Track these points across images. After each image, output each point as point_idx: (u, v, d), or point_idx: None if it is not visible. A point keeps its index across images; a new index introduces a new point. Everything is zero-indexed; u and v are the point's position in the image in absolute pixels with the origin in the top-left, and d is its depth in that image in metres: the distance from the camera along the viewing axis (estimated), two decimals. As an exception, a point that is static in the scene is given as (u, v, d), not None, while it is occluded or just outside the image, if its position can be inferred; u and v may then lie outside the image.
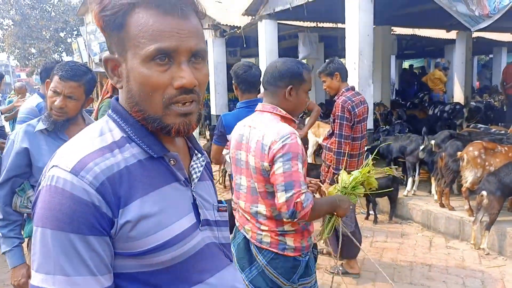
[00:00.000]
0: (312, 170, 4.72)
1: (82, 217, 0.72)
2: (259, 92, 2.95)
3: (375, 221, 4.81)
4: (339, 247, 2.27)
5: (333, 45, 11.48)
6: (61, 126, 1.88)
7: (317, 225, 2.36)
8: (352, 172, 2.10)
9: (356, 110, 3.22)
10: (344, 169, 3.16)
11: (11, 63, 34.52)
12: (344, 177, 2.07)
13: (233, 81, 2.86)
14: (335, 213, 1.91)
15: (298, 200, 1.65)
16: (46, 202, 0.73)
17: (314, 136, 6.60)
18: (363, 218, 4.92)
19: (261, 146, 1.75)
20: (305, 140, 6.58)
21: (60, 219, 0.72)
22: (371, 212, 4.92)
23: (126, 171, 0.79)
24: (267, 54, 7.55)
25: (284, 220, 1.73)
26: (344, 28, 5.66)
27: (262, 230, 1.84)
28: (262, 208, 1.82)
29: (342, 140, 3.19)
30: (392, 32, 9.94)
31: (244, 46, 8.77)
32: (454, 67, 11.42)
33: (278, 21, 7.67)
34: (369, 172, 2.09)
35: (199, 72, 0.82)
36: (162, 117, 0.80)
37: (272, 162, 1.71)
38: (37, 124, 1.90)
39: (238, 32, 8.30)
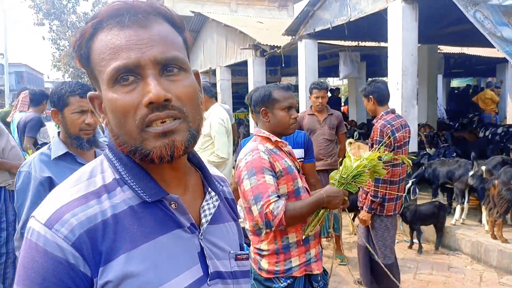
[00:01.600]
0: (350, 194, 4.52)
1: (55, 277, 0.64)
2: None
3: (420, 250, 4.51)
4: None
5: (376, 64, 11.25)
6: (90, 145, 1.84)
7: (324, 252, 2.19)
8: (358, 156, 1.98)
9: (396, 134, 3.04)
10: (383, 197, 3.03)
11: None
12: (347, 163, 1.93)
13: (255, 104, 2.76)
14: (326, 208, 1.84)
15: (267, 210, 1.71)
16: (22, 257, 0.67)
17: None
18: (406, 247, 4.63)
19: (236, 166, 1.95)
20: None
21: (32, 278, 0.64)
22: (415, 240, 4.62)
23: (113, 220, 0.68)
24: (306, 73, 7.48)
25: (263, 232, 1.76)
26: (387, 47, 5.49)
27: (250, 245, 1.96)
28: (248, 224, 1.93)
29: (382, 166, 3.02)
30: (438, 51, 9.57)
31: (283, 65, 8.75)
32: (507, 87, 10.78)
33: (319, 41, 7.61)
34: (378, 158, 1.96)
35: (176, 84, 0.70)
36: (141, 144, 0.69)
37: (240, 181, 1.84)
38: (51, 152, 1.82)
39: (278, 51, 8.31)
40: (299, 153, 2.74)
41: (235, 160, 2.87)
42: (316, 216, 1.87)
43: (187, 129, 0.70)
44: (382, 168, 1.98)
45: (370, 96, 3.17)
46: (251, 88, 9.71)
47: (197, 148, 3.99)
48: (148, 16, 0.70)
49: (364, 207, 3.15)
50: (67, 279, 0.64)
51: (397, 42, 5.14)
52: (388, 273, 2.14)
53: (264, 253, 1.88)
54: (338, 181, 1.90)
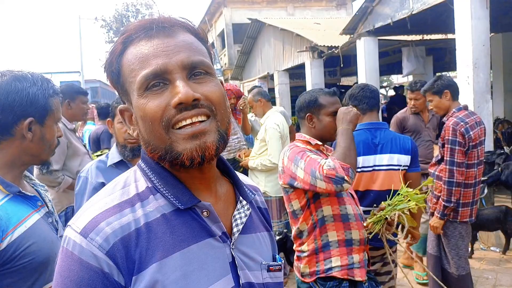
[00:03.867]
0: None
1: (90, 286, 0.64)
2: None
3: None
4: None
5: (444, 57, 10.55)
6: (132, 154, 1.90)
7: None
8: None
9: (471, 132, 2.78)
10: (457, 201, 2.77)
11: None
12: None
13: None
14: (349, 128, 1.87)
15: (324, 171, 1.67)
16: (58, 266, 0.68)
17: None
18: (483, 255, 4.23)
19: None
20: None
21: (68, 287, 0.65)
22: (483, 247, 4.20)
23: (146, 229, 0.68)
24: (367, 72, 7.20)
25: (344, 187, 1.71)
26: (455, 39, 5.10)
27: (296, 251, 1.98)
28: (294, 228, 1.95)
29: (455, 168, 2.76)
30: (515, 38, 8.74)
31: (341, 66, 8.52)
32: None
33: (379, 37, 7.29)
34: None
35: (204, 85, 0.71)
36: (171, 146, 0.69)
37: (289, 178, 1.85)
38: (108, 160, 1.92)
39: (336, 52, 8.11)
40: (405, 160, 2.45)
41: None
42: (377, 222, 1.89)
43: (217, 129, 0.71)
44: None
45: (446, 91, 2.90)
46: (309, 90, 9.59)
47: (253, 153, 3.99)
48: (173, 27, 0.73)
49: (435, 213, 2.91)
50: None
51: (466, 33, 4.75)
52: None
53: (304, 254, 1.89)
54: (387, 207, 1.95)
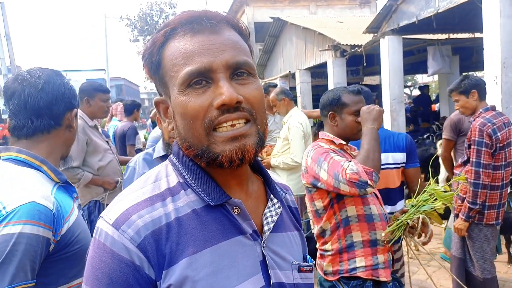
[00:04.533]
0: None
1: (121, 278, 0.64)
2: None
3: (510, 261, 4.05)
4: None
5: (470, 57, 10.28)
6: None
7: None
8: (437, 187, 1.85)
9: (499, 134, 2.72)
10: (482, 203, 2.71)
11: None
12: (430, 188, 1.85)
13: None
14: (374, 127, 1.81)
15: (347, 175, 1.65)
16: (90, 257, 0.68)
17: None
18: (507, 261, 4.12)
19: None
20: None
21: (99, 279, 0.66)
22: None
23: (177, 223, 0.68)
24: (390, 72, 7.09)
25: (368, 191, 1.69)
26: (482, 38, 4.97)
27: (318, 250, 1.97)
28: (316, 227, 1.95)
29: (481, 170, 2.71)
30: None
31: (365, 65, 8.42)
32: None
33: (403, 36, 7.17)
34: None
35: (246, 87, 0.71)
36: (209, 147, 0.69)
37: (312, 178, 1.85)
38: (154, 153, 2.06)
39: (359, 51, 8.02)
40: (400, 157, 2.51)
41: None
42: (398, 228, 1.81)
43: (257, 132, 0.70)
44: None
45: (473, 91, 2.86)
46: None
47: (275, 151, 4.00)
48: (219, 23, 0.72)
49: (460, 214, 2.86)
50: (132, 280, 0.65)
51: (495, 31, 4.63)
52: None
53: (328, 253, 1.89)
54: (410, 208, 1.85)
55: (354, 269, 1.82)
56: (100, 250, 0.67)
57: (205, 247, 0.68)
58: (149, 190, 0.72)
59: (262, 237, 0.76)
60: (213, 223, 0.71)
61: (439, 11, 5.67)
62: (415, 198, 1.88)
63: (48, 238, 1.10)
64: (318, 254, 1.96)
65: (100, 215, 0.71)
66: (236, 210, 0.73)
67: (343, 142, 1.97)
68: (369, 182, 1.65)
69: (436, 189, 1.84)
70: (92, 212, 3.14)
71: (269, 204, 0.80)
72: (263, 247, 0.75)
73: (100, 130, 3.39)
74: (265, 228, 0.76)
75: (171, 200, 0.71)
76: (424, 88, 12.12)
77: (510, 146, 2.83)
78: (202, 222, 0.70)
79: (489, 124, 2.72)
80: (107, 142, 3.33)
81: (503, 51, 4.58)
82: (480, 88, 2.88)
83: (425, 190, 1.87)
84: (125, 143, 4.89)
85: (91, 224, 3.23)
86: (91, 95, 3.22)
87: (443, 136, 3.76)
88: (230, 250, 0.71)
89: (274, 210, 0.79)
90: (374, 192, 1.95)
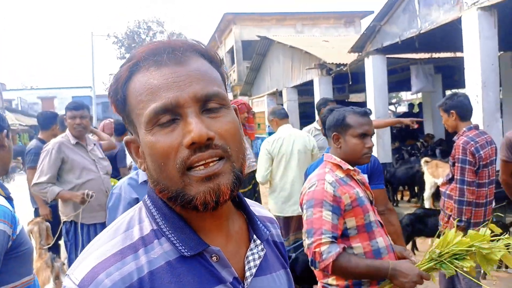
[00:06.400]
0: (430, 216, 4.22)
1: None
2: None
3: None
4: None
5: (453, 75, 10.57)
6: None
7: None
8: (465, 233, 1.64)
9: (481, 152, 2.79)
10: (468, 220, 2.75)
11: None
12: (448, 236, 1.61)
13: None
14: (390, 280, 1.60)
15: (317, 250, 1.60)
16: None
17: (432, 177, 5.97)
18: (495, 276, 4.17)
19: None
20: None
21: None
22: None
23: (149, 278, 0.63)
24: (375, 90, 7.24)
25: (312, 268, 1.66)
26: (463, 57, 5.14)
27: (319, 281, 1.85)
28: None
29: (465, 187, 2.77)
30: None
31: (350, 83, 8.58)
32: None
33: (387, 55, 7.36)
34: (491, 240, 1.56)
35: (218, 121, 0.65)
36: (183, 189, 0.64)
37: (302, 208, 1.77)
38: (139, 177, 1.99)
39: (344, 69, 8.18)
40: None
41: None
42: (385, 284, 1.65)
43: (232, 170, 0.65)
44: (497, 252, 1.55)
45: (452, 111, 2.94)
46: (318, 107, 9.61)
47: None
48: (185, 53, 0.67)
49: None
50: None
51: (475, 52, 4.79)
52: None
53: (332, 287, 1.75)
54: (428, 258, 1.63)
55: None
56: None
57: None
58: (120, 241, 0.67)
59: (244, 284, 0.71)
60: (189, 275, 0.66)
61: (421, 31, 5.85)
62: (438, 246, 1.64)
63: (9, 235, 1.34)
64: (319, 285, 1.84)
65: (67, 272, 0.66)
66: (214, 258, 0.68)
67: (351, 168, 1.82)
68: (317, 268, 1.63)
69: (480, 240, 1.54)
70: (69, 230, 3.24)
71: (252, 246, 0.74)
72: None
73: (92, 148, 3.40)
74: (247, 273, 0.72)
75: (143, 252, 0.66)
76: (410, 106, 12.41)
77: (493, 164, 2.91)
78: (177, 274, 0.65)
79: (472, 142, 2.80)
80: (94, 160, 3.33)
81: (483, 71, 4.73)
82: (460, 110, 2.94)
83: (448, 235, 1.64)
84: (116, 166, 4.81)
85: (65, 244, 3.30)
86: (66, 114, 3.33)
87: (500, 158, 3.06)
88: None
89: (257, 253, 0.74)
90: (379, 221, 1.82)
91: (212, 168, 0.63)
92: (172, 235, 0.67)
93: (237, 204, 0.78)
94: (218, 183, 0.63)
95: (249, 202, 0.82)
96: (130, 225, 0.70)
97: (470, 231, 1.64)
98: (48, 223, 3.35)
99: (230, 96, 14.20)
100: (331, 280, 1.74)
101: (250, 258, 0.73)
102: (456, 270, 2.92)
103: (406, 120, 3.98)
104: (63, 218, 3.25)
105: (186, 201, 0.64)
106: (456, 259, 1.58)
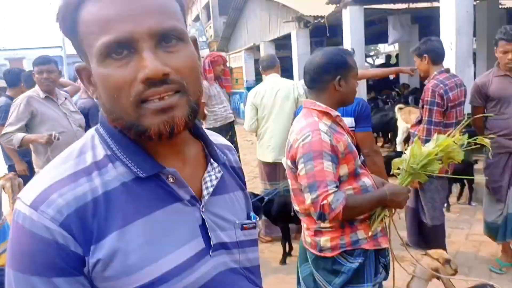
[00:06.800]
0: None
1: (45, 258, 0.61)
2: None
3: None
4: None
5: (429, 25, 10.57)
6: None
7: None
8: (426, 145, 1.75)
9: (450, 94, 2.88)
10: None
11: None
12: (415, 151, 1.70)
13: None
14: (387, 206, 1.70)
15: (325, 202, 1.55)
16: (10, 239, 0.65)
17: (404, 123, 6.16)
18: (458, 209, 4.44)
19: (287, 143, 1.77)
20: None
21: (21, 261, 0.63)
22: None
23: (104, 198, 0.65)
24: (353, 42, 7.20)
25: (317, 222, 1.65)
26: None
27: (305, 229, 1.80)
28: (299, 207, 1.79)
29: (432, 127, 2.88)
30: (500, 6, 8.78)
31: (328, 35, 8.51)
32: None
33: (365, 6, 7.27)
34: (453, 144, 1.70)
35: (175, 56, 0.63)
36: (137, 120, 0.63)
37: (295, 162, 1.68)
38: None
39: (322, 22, 8.07)
40: (348, 122, 2.46)
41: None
42: (377, 215, 1.72)
43: (187, 103, 0.65)
44: (460, 151, 1.72)
45: (425, 55, 2.99)
46: (295, 61, 9.54)
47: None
48: None
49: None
50: (58, 259, 0.62)
51: (450, 0, 4.79)
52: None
53: (326, 229, 1.72)
54: (406, 171, 1.72)
55: (357, 241, 1.71)
56: (19, 232, 0.63)
57: (136, 219, 0.66)
58: (73, 166, 0.66)
59: (201, 202, 0.73)
60: (144, 194, 0.68)
61: (398, -21, 5.78)
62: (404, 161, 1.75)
63: None
64: (306, 232, 1.80)
65: (18, 195, 0.66)
66: (171, 179, 0.69)
67: (339, 114, 1.76)
68: (327, 220, 1.59)
69: (444, 141, 1.68)
70: None
71: (209, 168, 0.77)
72: (203, 212, 0.73)
73: (64, 102, 3.36)
74: (204, 192, 0.74)
75: (97, 175, 0.66)
76: (387, 58, 12.47)
77: (461, 106, 3.01)
78: (133, 194, 0.67)
79: (441, 85, 2.87)
80: (66, 114, 3.30)
81: (458, 18, 4.77)
82: (433, 53, 2.99)
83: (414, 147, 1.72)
84: (88, 123, 4.76)
85: None
86: (34, 70, 3.29)
87: (469, 103, 3.14)
88: (166, 218, 0.68)
89: (214, 174, 0.76)
90: (362, 162, 1.81)
91: (167, 101, 0.63)
92: (127, 158, 0.68)
93: (193, 132, 0.79)
94: (172, 116, 0.63)
95: (208, 132, 0.83)
96: (82, 151, 0.69)
97: (438, 135, 1.76)
98: (20, 179, 3.33)
99: (206, 52, 13.85)
100: (325, 223, 1.69)
101: (208, 179, 0.76)
102: (421, 204, 3.09)
103: (406, 69, 4.01)
104: (37, 170, 3.26)
105: (140, 132, 0.64)
106: (426, 168, 1.70)
